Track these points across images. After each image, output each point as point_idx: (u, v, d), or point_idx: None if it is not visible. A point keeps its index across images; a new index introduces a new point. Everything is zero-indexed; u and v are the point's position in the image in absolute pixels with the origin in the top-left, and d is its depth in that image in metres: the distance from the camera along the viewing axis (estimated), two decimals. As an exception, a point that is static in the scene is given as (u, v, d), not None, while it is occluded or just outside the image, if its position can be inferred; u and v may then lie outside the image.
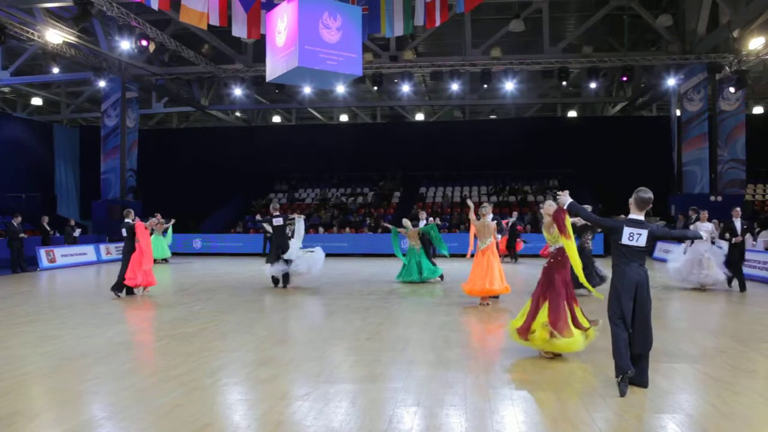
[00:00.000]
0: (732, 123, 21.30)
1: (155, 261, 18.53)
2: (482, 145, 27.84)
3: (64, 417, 4.41)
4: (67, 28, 18.73)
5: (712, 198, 20.72)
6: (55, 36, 18.32)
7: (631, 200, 5.09)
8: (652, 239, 4.98)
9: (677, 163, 21.98)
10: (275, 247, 12.39)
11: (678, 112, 22.08)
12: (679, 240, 5.62)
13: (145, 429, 4.16)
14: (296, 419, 4.33)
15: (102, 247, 20.38)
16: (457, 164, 28.96)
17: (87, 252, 19.59)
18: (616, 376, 4.86)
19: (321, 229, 24.43)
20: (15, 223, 16.57)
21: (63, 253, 18.40)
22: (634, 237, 4.92)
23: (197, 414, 4.41)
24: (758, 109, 28.60)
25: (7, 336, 7.41)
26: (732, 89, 20.55)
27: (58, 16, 19.36)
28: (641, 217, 5.04)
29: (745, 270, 13.95)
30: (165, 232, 19.87)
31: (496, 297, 9.96)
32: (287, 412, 4.47)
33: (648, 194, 5.04)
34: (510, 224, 18.67)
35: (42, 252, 17.54)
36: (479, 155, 28.13)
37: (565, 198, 5.54)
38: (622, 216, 11.35)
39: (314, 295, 11.61)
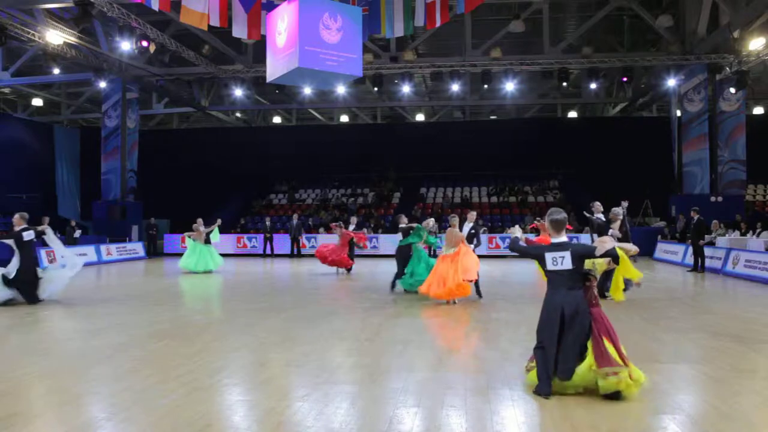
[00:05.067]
0: (732, 123, 21.31)
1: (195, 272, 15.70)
2: (482, 145, 27.83)
3: (63, 418, 4.39)
4: (68, 29, 18.78)
5: (713, 198, 20.72)
6: (56, 37, 18.35)
7: (546, 224, 5.02)
8: (579, 259, 4.82)
9: (677, 164, 21.99)
10: (24, 269, 10.07)
11: (678, 113, 22.08)
12: (611, 257, 5.10)
13: (145, 430, 4.14)
14: (296, 420, 4.31)
15: (103, 248, 20.36)
16: (458, 165, 28.96)
17: (87, 253, 19.52)
18: (535, 392, 4.81)
19: (322, 230, 24.43)
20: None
21: (63, 254, 18.30)
22: (557, 261, 4.79)
23: (197, 415, 4.39)
24: (758, 110, 28.61)
25: (6, 337, 7.40)
26: (732, 90, 20.56)
27: (58, 17, 19.37)
28: (562, 238, 4.92)
29: (745, 270, 14.00)
30: (207, 239, 16.75)
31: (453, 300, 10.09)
32: (287, 413, 4.45)
33: (560, 215, 4.96)
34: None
35: (42, 252, 17.48)
36: (479, 156, 28.13)
37: (514, 233, 5.52)
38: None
39: (314, 295, 11.59)
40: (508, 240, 10.56)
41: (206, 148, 30.17)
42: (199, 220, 16.85)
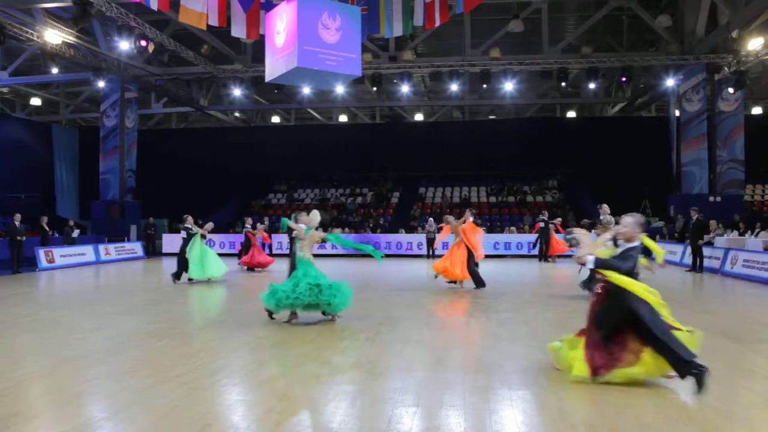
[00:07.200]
0: (731, 123, 21.28)
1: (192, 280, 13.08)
2: (481, 145, 27.83)
3: (62, 418, 4.38)
4: (66, 29, 18.67)
5: (711, 198, 20.70)
6: (54, 36, 18.28)
7: (634, 229, 5.12)
8: None
9: (676, 164, 21.96)
10: None
11: (677, 113, 22.06)
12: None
13: (144, 430, 4.14)
14: (295, 420, 4.32)
15: (101, 247, 20.25)
16: (457, 165, 28.95)
17: (86, 252, 19.46)
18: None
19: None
20: (16, 222, 16.51)
21: (62, 254, 18.26)
22: None
23: (196, 415, 4.38)
24: (757, 110, 28.60)
25: (5, 337, 7.37)
26: (731, 90, 20.54)
27: (57, 16, 19.27)
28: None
29: (744, 270, 14.00)
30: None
31: (455, 281, 12.04)
32: (286, 413, 4.45)
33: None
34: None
35: (41, 252, 17.42)
36: (478, 156, 28.12)
37: (588, 256, 5.09)
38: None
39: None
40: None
41: (205, 148, 30.13)
42: (189, 218, 13.68)
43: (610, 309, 5.06)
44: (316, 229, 8.39)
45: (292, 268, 8.28)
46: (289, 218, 8.37)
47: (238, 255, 17.25)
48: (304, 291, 7.66)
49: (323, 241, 8.55)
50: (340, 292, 7.92)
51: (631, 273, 4.99)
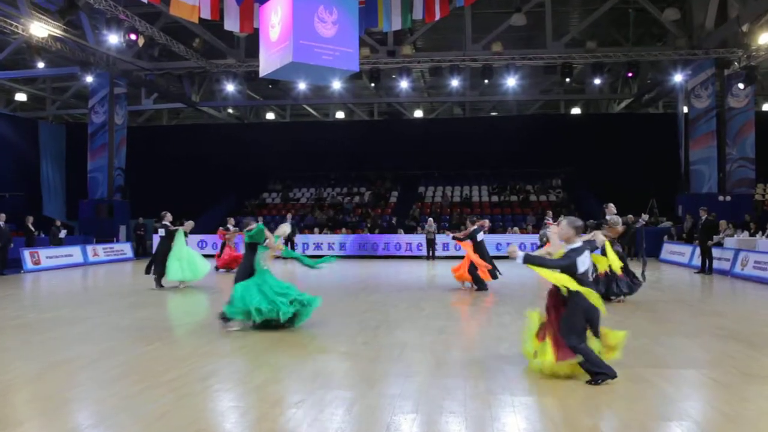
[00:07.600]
0: (741, 120, 20.92)
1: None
2: (483, 143, 27.38)
3: (49, 425, 4.30)
4: (53, 21, 18.35)
5: (721, 198, 20.39)
6: (40, 29, 17.87)
7: (569, 230, 5.28)
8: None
9: (684, 162, 21.67)
10: None
11: (685, 109, 21.77)
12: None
13: (133, 436, 4.01)
14: (290, 427, 4.22)
15: (89, 248, 19.86)
16: (457, 163, 28.57)
17: (73, 253, 19.06)
18: (599, 382, 5.03)
19: (316, 230, 23.86)
20: (0, 223, 16.01)
21: (48, 255, 17.93)
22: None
23: (187, 421, 4.30)
24: (768, 106, 28.17)
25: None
26: (741, 85, 20.25)
27: (43, 8, 18.93)
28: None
29: (755, 272, 13.71)
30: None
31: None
32: (281, 420, 4.37)
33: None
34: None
35: (26, 254, 17.05)
36: (480, 153, 27.70)
37: (518, 252, 5.19)
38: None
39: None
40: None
41: (197, 146, 29.52)
42: (167, 214, 12.91)
43: (572, 315, 5.15)
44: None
45: (248, 274, 7.84)
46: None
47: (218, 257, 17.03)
48: (273, 302, 7.47)
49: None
50: (306, 301, 7.81)
51: (568, 272, 5.14)
